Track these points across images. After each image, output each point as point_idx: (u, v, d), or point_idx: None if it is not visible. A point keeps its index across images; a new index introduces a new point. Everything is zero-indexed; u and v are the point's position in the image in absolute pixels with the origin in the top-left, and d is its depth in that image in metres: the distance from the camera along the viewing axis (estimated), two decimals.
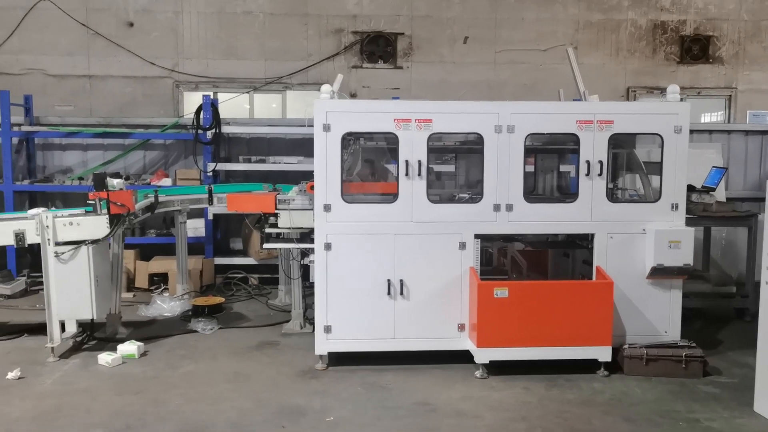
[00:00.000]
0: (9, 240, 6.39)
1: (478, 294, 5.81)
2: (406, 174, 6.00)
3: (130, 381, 5.85)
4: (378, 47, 12.08)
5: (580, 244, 6.69)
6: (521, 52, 12.29)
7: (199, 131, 9.42)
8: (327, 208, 6.01)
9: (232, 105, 11.62)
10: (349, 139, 6.22)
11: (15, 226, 6.37)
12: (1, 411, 5.20)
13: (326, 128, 5.95)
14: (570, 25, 12.24)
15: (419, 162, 6.00)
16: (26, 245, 6.42)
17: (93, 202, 6.50)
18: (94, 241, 6.39)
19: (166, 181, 9.39)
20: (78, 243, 6.34)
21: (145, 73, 11.67)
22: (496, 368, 5.93)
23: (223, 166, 9.60)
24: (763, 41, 12.55)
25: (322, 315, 6.11)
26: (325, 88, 6.22)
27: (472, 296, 5.98)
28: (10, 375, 5.86)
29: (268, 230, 6.52)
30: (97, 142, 10.17)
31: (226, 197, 8.23)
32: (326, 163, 5.98)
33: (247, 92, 12.08)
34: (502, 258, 7.46)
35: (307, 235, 6.50)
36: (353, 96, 12.11)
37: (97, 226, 6.41)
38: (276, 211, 6.45)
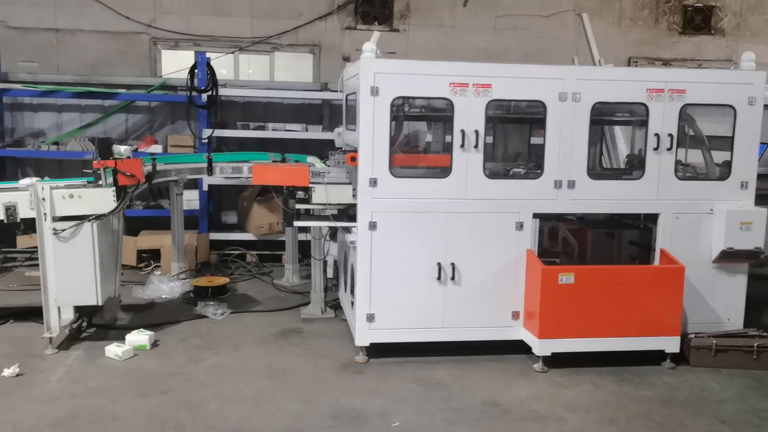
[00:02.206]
0: None
1: (542, 280, 5.27)
2: (462, 145, 5.36)
3: (149, 378, 5.11)
4: (373, 7, 11.27)
5: (629, 224, 6.22)
6: (523, 17, 11.67)
7: (193, 93, 8.53)
8: (373, 182, 5.34)
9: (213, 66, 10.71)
10: (398, 105, 5.52)
11: (5, 198, 5.48)
12: (8, 418, 4.40)
13: (374, 92, 5.24)
14: None
15: (476, 132, 5.36)
16: (18, 221, 5.53)
17: (97, 172, 5.65)
18: (99, 217, 5.56)
19: (156, 148, 8.49)
20: (79, 218, 5.50)
21: (119, 29, 10.54)
22: (552, 360, 5.42)
23: (220, 133, 8.73)
24: (765, 13, 12.26)
25: (365, 302, 5.47)
26: (368, 46, 5.50)
27: (532, 282, 5.43)
28: (7, 372, 5.04)
29: (298, 206, 5.78)
30: (73, 102, 9.16)
31: (229, 166, 7.49)
32: (373, 131, 5.29)
33: (232, 52, 11.10)
34: (550, 238, 6.90)
35: (343, 212, 5.81)
36: (346, 60, 11.34)
37: (101, 199, 5.58)
38: (310, 185, 5.70)
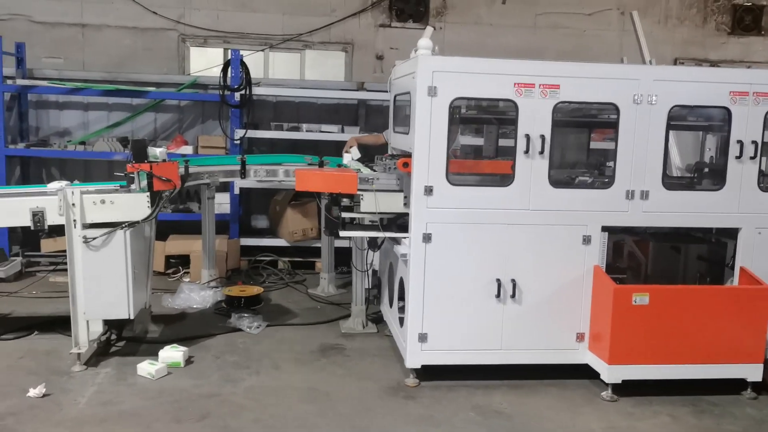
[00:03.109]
0: (24, 220, 5.11)
1: (614, 300, 4.80)
2: (526, 151, 4.91)
3: (185, 400, 4.70)
4: (408, 4, 10.83)
5: (698, 237, 5.73)
6: (564, 15, 11.18)
7: (226, 92, 8.12)
8: (428, 191, 4.90)
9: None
10: (457, 107, 5.08)
11: (32, 203, 5.10)
12: None
13: (432, 92, 4.80)
14: None
15: (542, 137, 4.91)
16: (45, 228, 5.15)
17: (130, 175, 5.26)
18: (132, 224, 5.17)
19: (187, 149, 8.10)
20: (112, 225, 5.11)
21: (146, 24, 10.18)
22: (621, 387, 4.94)
23: (252, 133, 8.32)
24: None
25: (417, 320, 5.03)
26: (424, 42, 5.08)
27: (602, 302, 4.97)
28: (33, 392, 4.65)
29: (344, 215, 5.35)
30: (101, 101, 8.80)
31: (262, 169, 7.12)
32: (430, 135, 4.85)
33: (262, 50, 10.71)
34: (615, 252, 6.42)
35: (392, 222, 5.37)
36: (380, 58, 10.92)
37: (135, 205, 5.18)
38: (357, 192, 5.26)
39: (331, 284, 7.60)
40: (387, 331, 6.13)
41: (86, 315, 5.17)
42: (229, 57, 8.35)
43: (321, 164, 7.12)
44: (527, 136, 4.89)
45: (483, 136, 6.27)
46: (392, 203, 5.26)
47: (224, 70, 8.14)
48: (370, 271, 6.59)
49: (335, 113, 9.09)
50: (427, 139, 4.85)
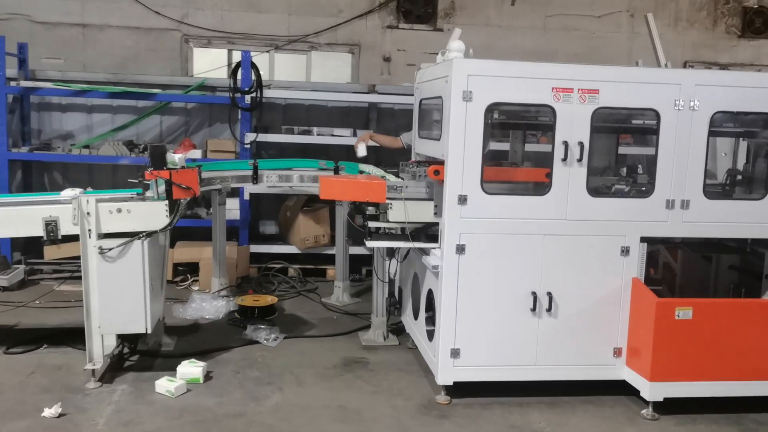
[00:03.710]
0: (36, 230, 4.87)
1: (656, 314, 4.61)
2: (564, 159, 4.71)
3: (209, 420, 4.47)
4: (416, 5, 10.64)
5: (731, 247, 5.56)
6: (574, 17, 11.04)
7: (236, 94, 7.88)
8: (462, 200, 4.69)
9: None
10: (492, 112, 4.88)
11: (46, 212, 4.85)
12: None
13: (467, 97, 4.59)
14: None
15: (580, 144, 4.72)
16: (59, 238, 4.90)
17: (145, 182, 5.03)
18: (150, 234, 4.93)
19: (195, 153, 7.84)
20: (128, 235, 4.87)
21: (149, 25, 9.93)
22: (662, 405, 4.75)
23: (263, 137, 8.08)
24: None
25: (450, 335, 4.82)
26: (456, 45, 4.90)
27: (641, 316, 4.78)
28: (49, 412, 4.40)
29: (372, 224, 5.13)
30: (105, 103, 8.54)
31: (275, 174, 6.88)
32: (464, 142, 4.64)
33: (268, 51, 10.48)
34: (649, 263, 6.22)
35: (421, 231, 5.16)
36: (387, 60, 10.72)
37: (153, 213, 4.95)
38: (387, 201, 5.04)
39: (345, 293, 7.38)
40: (410, 344, 5.92)
41: (101, 329, 4.92)
42: (234, 58, 8.15)
43: (336, 170, 6.90)
44: (565, 143, 4.70)
45: (509, 142, 6.05)
46: (422, 212, 5.04)
47: (234, 72, 7.90)
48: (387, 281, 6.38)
49: (346, 116, 8.87)
50: (461, 147, 4.64)
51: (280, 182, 6.96)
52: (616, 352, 4.96)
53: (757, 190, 5.08)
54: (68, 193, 5.04)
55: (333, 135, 8.22)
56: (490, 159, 5.67)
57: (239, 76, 7.92)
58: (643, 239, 4.90)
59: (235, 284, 7.72)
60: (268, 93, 8.12)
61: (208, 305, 6.66)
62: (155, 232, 4.96)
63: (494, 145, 6.35)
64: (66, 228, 4.86)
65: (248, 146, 7.95)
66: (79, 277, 4.93)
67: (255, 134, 7.94)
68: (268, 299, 6.84)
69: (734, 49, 11.48)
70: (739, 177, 5.75)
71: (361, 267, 8.26)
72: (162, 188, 5.02)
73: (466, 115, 4.61)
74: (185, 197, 5.02)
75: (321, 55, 10.63)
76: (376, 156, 7.70)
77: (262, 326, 6.11)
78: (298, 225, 8.04)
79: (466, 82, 4.59)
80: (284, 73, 10.51)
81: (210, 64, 10.19)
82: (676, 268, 5.71)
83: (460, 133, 4.63)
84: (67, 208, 4.84)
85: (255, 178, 6.82)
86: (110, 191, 5.39)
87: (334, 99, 8.70)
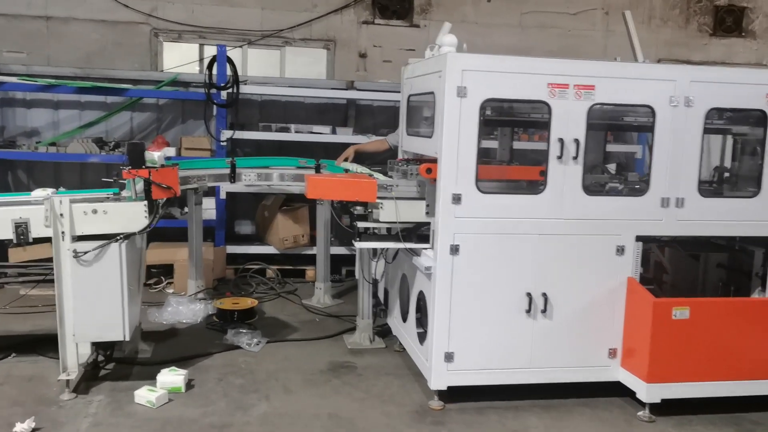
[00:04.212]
0: (5, 232, 4.57)
1: (653, 314, 4.52)
2: (559, 157, 4.59)
3: None
4: (392, 1, 10.49)
5: (719, 245, 5.52)
6: (550, 14, 11.00)
7: (212, 90, 7.62)
8: (456, 199, 4.54)
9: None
10: (485, 108, 4.72)
11: (15, 214, 4.56)
12: None
13: (461, 93, 4.44)
14: None
15: (576, 141, 4.60)
16: (30, 241, 4.62)
17: (121, 182, 4.77)
18: (128, 236, 4.67)
19: (170, 151, 7.55)
20: (105, 238, 4.61)
21: (116, 17, 9.59)
22: (658, 406, 4.66)
23: (240, 134, 7.83)
24: None
25: (443, 339, 4.67)
26: (449, 39, 4.76)
27: (637, 316, 4.69)
28: (21, 427, 4.12)
29: (361, 224, 4.95)
30: (72, 99, 8.19)
31: (254, 173, 6.66)
32: (458, 139, 4.49)
33: (241, 46, 10.20)
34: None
35: (412, 232, 4.99)
36: (363, 56, 10.54)
37: (131, 215, 4.68)
38: (377, 201, 4.86)
39: (326, 294, 7.18)
40: (397, 346, 5.76)
41: (76, 337, 4.66)
42: (205, 53, 7.86)
43: (318, 168, 6.70)
44: (561, 141, 4.58)
45: (498, 139, 5.93)
46: (413, 212, 4.87)
47: (209, 67, 7.63)
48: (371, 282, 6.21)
49: (323, 113, 8.67)
50: (455, 144, 4.49)
51: (259, 181, 6.74)
52: (611, 353, 4.86)
53: (750, 187, 5.02)
54: (39, 193, 4.76)
55: (312, 132, 8.01)
56: (483, 157, 5.52)
57: (215, 71, 7.65)
58: (638, 238, 4.81)
59: (212, 286, 7.47)
60: (244, 89, 7.87)
61: (185, 309, 6.41)
62: (134, 234, 4.71)
63: (485, 143, 6.21)
64: (37, 231, 4.57)
65: (224, 144, 7.69)
66: (49, 281, 4.66)
67: (231, 131, 7.69)
68: (248, 302, 6.62)
69: (706, 48, 11.57)
70: (727, 174, 5.71)
71: (341, 267, 8.07)
72: (140, 188, 4.77)
73: (460, 111, 4.46)
74: (165, 197, 4.77)
75: (294, 51, 10.41)
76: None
77: (243, 330, 5.89)
78: (277, 225, 7.82)
79: (460, 77, 4.44)
80: (257, 69, 10.25)
81: (181, 59, 9.88)
82: (667, 267, 5.65)
83: (455, 130, 4.47)
84: (39, 209, 4.55)
85: (233, 177, 6.59)
86: (84, 191, 5.11)
87: (312, 96, 8.49)
